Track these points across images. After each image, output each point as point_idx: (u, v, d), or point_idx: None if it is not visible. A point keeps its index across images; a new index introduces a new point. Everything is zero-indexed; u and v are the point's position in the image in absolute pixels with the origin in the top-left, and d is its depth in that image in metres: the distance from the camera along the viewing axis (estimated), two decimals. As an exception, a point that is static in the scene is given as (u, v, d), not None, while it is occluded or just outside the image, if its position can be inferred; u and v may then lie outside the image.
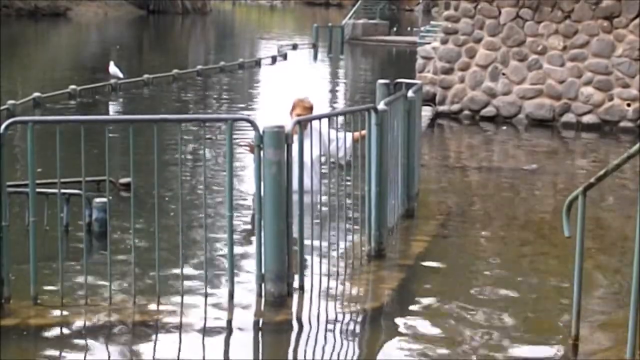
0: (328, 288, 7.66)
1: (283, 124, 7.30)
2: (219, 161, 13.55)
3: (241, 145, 9.57)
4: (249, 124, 7.25)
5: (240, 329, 6.89)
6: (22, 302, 7.04)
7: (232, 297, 7.23)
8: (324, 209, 8.20)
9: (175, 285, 7.42)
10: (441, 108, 19.07)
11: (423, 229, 9.84)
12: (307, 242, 7.68)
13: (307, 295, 7.44)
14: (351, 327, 7.08)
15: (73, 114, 18.30)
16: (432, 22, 32.54)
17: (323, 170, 9.34)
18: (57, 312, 6.97)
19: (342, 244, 8.15)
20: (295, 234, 7.40)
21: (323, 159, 9.77)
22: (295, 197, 7.37)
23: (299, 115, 9.51)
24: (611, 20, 17.92)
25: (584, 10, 18.04)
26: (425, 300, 7.64)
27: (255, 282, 7.31)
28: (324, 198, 8.45)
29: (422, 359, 6.44)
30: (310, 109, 10.01)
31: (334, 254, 8.03)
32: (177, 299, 7.21)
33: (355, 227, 8.66)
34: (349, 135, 9.20)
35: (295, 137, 7.40)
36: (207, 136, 15.10)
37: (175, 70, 25.63)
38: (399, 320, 7.14)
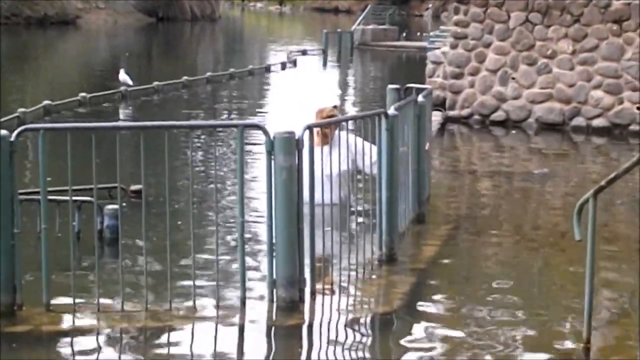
0: (340, 293, 7.67)
1: (293, 130, 7.31)
2: (230, 167, 13.55)
3: None
4: (259, 130, 7.28)
5: (252, 334, 6.90)
6: (34, 309, 7.06)
7: (243, 302, 7.24)
8: (335, 214, 8.21)
9: (187, 291, 7.43)
10: (451, 113, 19.05)
11: (434, 234, 9.84)
12: (318, 247, 7.68)
13: (318, 301, 7.45)
14: (363, 331, 7.09)
15: (83, 121, 18.32)
16: (441, 27, 32.51)
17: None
18: (69, 319, 6.99)
19: (353, 249, 8.15)
20: (307, 240, 7.40)
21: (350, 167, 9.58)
22: (306, 208, 7.38)
23: None
24: (620, 24, 17.89)
25: (593, 14, 18.02)
26: (437, 304, 7.64)
27: (266, 287, 7.33)
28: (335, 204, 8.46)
29: (434, 363, 6.46)
30: (329, 118, 9.90)
31: (345, 259, 8.04)
32: (189, 304, 7.23)
33: (366, 232, 8.67)
34: (375, 149, 8.94)
35: (306, 144, 7.41)
36: (219, 143, 15.14)
37: (185, 77, 25.65)
38: (410, 324, 7.15)
